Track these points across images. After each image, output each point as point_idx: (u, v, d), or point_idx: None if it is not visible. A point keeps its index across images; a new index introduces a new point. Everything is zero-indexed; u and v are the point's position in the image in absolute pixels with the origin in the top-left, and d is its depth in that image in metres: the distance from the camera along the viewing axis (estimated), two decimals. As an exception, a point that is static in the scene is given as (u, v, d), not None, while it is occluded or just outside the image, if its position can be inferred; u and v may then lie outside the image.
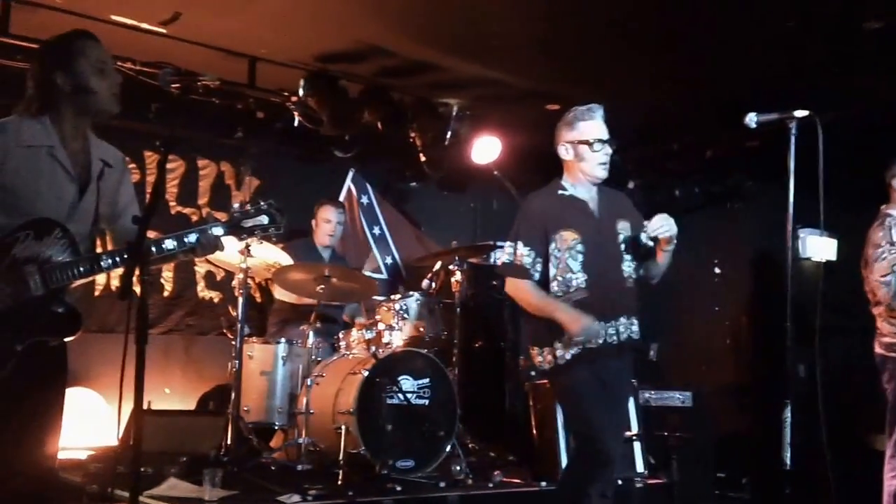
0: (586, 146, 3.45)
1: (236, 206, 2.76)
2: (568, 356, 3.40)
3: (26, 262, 2.51)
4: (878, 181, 5.51)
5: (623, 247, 3.50)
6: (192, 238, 2.66)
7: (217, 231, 2.68)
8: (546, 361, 3.46)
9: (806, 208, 3.16)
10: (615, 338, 3.44)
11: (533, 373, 3.61)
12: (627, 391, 3.99)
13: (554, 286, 3.43)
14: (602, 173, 3.49)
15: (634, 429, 4.98)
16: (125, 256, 2.58)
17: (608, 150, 3.48)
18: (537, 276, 3.46)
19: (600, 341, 3.39)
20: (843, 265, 5.69)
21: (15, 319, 2.50)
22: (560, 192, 3.53)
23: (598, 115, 3.50)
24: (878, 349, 4.34)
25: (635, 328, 3.51)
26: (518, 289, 3.49)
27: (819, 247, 6.40)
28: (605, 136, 3.48)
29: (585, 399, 3.42)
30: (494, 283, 6.78)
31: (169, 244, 2.63)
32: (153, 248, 2.60)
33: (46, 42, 2.80)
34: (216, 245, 2.70)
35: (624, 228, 3.52)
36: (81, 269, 2.58)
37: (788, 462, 2.91)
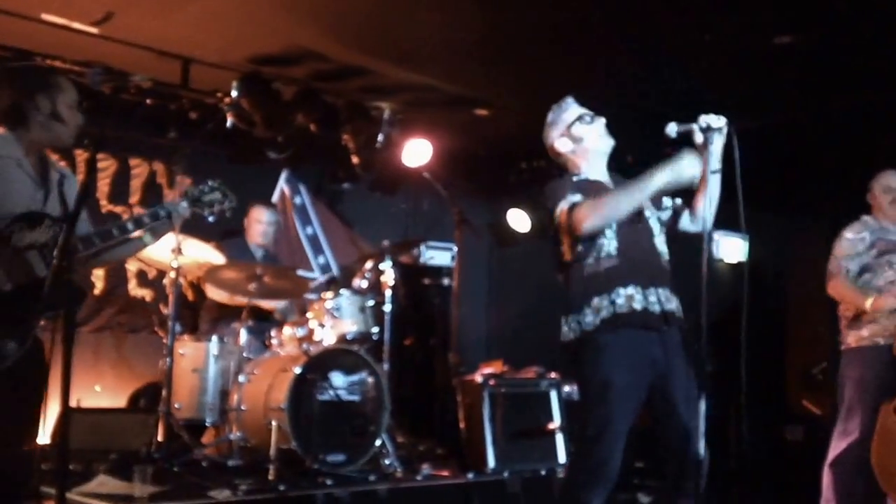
0: (578, 123, 3.29)
1: (189, 185, 3.21)
2: (597, 321, 3.02)
3: (27, 249, 2.81)
4: (788, 184, 5.81)
5: (651, 221, 3.23)
6: (163, 213, 3.10)
7: (183, 206, 3.15)
8: (571, 330, 3.09)
9: (720, 210, 3.24)
10: (657, 306, 3.07)
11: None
12: (681, 376, 3.06)
13: (581, 248, 3.12)
14: (609, 140, 3.29)
15: (557, 421, 5.18)
16: (114, 233, 2.97)
17: (602, 119, 3.31)
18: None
19: (638, 307, 3.04)
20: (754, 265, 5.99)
21: (29, 297, 2.74)
22: (574, 178, 3.27)
23: (571, 101, 3.37)
24: None
25: (676, 305, 3.13)
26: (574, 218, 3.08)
27: (731, 248, 6.71)
28: (590, 112, 3.33)
29: (606, 381, 2.97)
30: (427, 281, 6.94)
31: (146, 220, 3.05)
32: (115, 230, 2.98)
33: (27, 67, 3.09)
34: (169, 227, 3.17)
35: (648, 205, 3.26)
36: (77, 249, 2.86)
37: (702, 452, 2.94)
